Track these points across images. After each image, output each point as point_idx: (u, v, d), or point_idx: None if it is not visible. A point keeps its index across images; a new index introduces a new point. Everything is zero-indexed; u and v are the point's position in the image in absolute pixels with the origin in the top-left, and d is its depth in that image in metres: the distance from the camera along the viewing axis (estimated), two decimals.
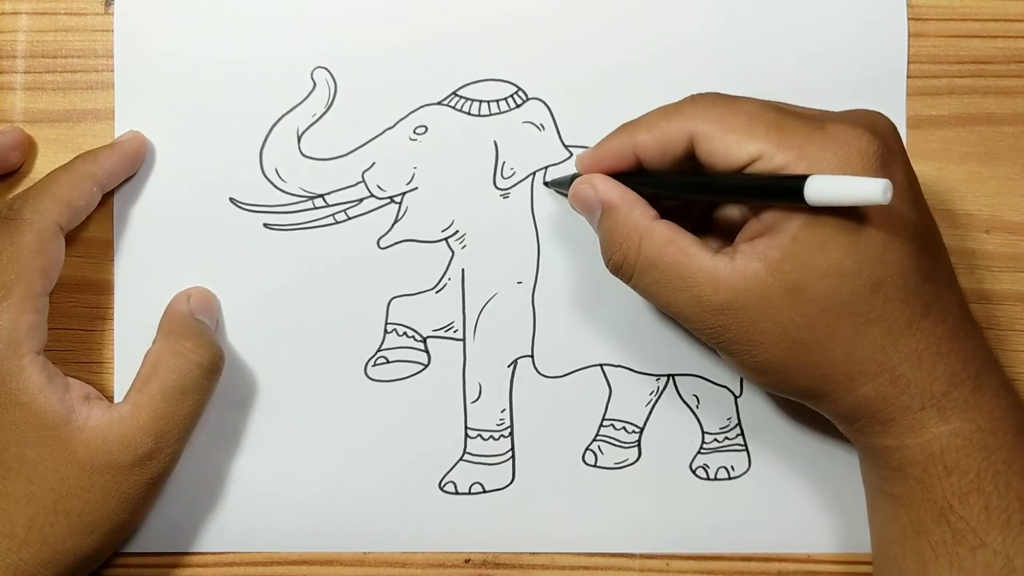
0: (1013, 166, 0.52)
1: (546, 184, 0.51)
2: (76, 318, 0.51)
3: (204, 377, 0.47)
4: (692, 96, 0.44)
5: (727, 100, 0.43)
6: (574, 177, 0.47)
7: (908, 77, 0.51)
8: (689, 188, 0.44)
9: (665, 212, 0.45)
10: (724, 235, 0.47)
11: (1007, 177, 0.52)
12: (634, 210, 0.44)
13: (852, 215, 0.40)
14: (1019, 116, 0.52)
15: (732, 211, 0.47)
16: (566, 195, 0.48)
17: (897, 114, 0.51)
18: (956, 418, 0.42)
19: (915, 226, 0.42)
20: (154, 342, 0.49)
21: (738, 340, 0.43)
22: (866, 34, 0.51)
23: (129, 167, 0.50)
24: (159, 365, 0.47)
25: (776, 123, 0.41)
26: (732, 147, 0.41)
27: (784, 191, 0.39)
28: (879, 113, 0.44)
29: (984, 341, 0.44)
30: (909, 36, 0.51)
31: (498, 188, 0.51)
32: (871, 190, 0.36)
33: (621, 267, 0.45)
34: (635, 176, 0.45)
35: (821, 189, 0.38)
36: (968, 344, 0.43)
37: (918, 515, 0.43)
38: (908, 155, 0.44)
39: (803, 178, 0.38)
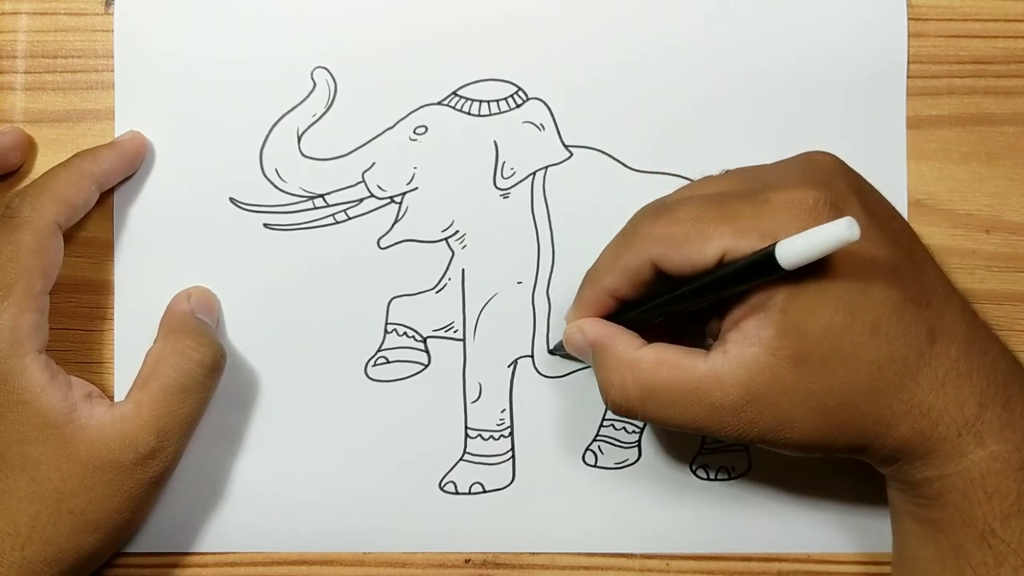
0: (1013, 166, 0.52)
1: (551, 352, 0.51)
2: (76, 318, 0.51)
3: (206, 376, 0.47)
4: (634, 218, 0.45)
5: (666, 212, 0.43)
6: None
7: (908, 77, 0.51)
8: (670, 304, 0.44)
9: (667, 328, 0.46)
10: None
11: (1007, 177, 0.52)
12: (618, 345, 0.44)
13: (827, 270, 0.40)
14: (1019, 116, 0.52)
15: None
16: (572, 358, 0.49)
17: (897, 114, 0.51)
18: (992, 440, 0.42)
19: (890, 258, 0.42)
20: (155, 341, 0.49)
21: (768, 430, 0.42)
22: (866, 34, 0.51)
23: (128, 166, 0.50)
24: (160, 364, 0.47)
25: (722, 216, 0.41)
26: (693, 257, 0.42)
27: (759, 269, 0.39)
28: (820, 153, 0.45)
29: (1002, 348, 0.44)
30: (909, 36, 0.51)
31: (498, 188, 0.51)
32: (838, 232, 0.36)
33: (621, 404, 0.44)
34: (619, 312, 0.46)
35: (792, 251, 0.38)
36: (986, 358, 0.43)
37: (957, 539, 0.42)
38: (862, 181, 0.44)
39: (771, 248, 0.38)
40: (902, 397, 0.41)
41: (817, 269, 0.40)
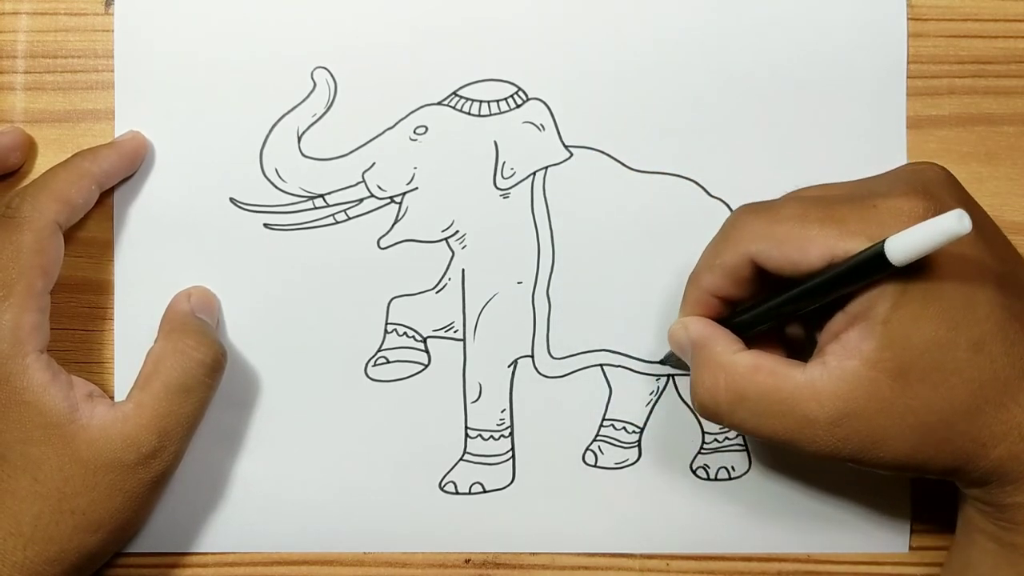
0: (1013, 166, 0.52)
1: (660, 362, 0.51)
2: (76, 318, 0.51)
3: (207, 375, 0.47)
4: (733, 216, 0.45)
5: (768, 211, 0.43)
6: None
7: (908, 77, 0.51)
8: (773, 309, 0.43)
9: (778, 338, 0.46)
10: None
11: (1007, 177, 0.52)
12: (716, 345, 0.44)
13: (933, 282, 0.40)
14: (1019, 116, 0.52)
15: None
16: (680, 366, 0.50)
17: (897, 114, 0.51)
18: None
19: (996, 272, 0.41)
20: (156, 341, 0.49)
21: (862, 448, 0.41)
22: (866, 34, 0.51)
23: (128, 166, 0.50)
24: (161, 364, 0.47)
25: (827, 218, 0.41)
26: (795, 257, 0.41)
27: (869, 266, 0.39)
28: (927, 164, 0.44)
29: None
30: (909, 36, 0.51)
31: (498, 188, 0.51)
32: (949, 225, 0.36)
33: (708, 406, 0.43)
34: (729, 316, 0.46)
35: (902, 246, 0.37)
36: None
37: None
38: (968, 195, 0.44)
39: (880, 244, 0.37)
40: (1001, 418, 0.40)
41: (922, 278, 0.39)
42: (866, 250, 0.39)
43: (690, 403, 0.51)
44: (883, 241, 0.38)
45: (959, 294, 0.40)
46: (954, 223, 0.36)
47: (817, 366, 0.41)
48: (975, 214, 0.40)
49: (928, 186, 0.42)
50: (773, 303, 0.43)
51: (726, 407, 0.43)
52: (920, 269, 0.39)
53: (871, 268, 0.39)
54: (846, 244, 0.40)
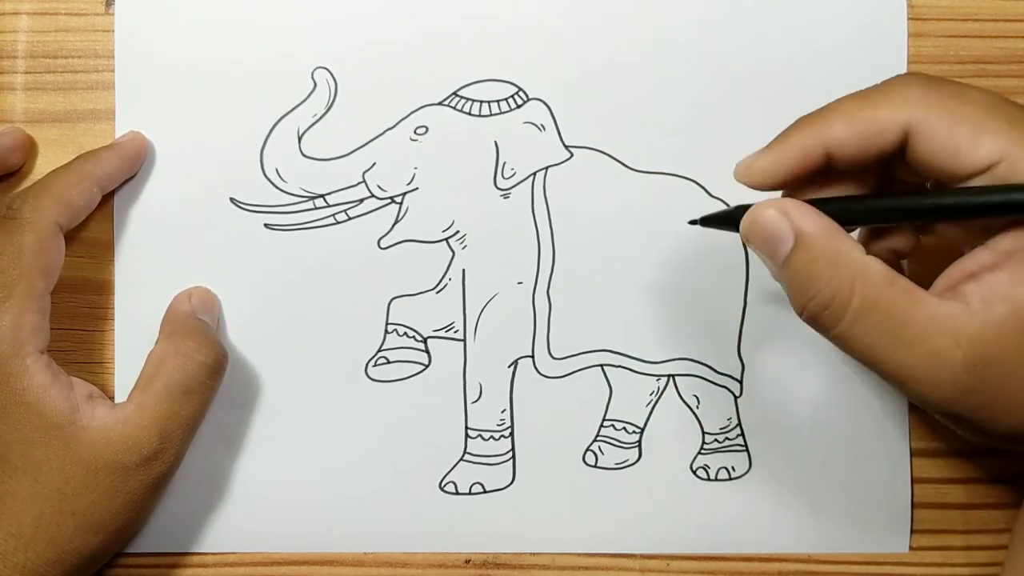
0: None
1: (695, 223, 0.42)
2: (76, 318, 0.51)
3: (208, 376, 0.47)
4: (899, 77, 0.37)
5: (950, 85, 0.36)
6: (736, 209, 0.40)
7: None
8: (912, 212, 0.36)
9: None
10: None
11: None
12: (844, 243, 0.36)
13: None
14: None
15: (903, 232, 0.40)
16: (728, 229, 0.41)
17: None
18: None
19: None
20: (157, 342, 0.49)
21: (986, 405, 0.35)
22: (866, 34, 0.51)
23: (129, 168, 0.50)
24: (163, 365, 0.47)
25: (1016, 119, 0.35)
26: (964, 145, 0.35)
27: None
28: None
29: None
30: (909, 36, 0.51)
31: (499, 188, 0.51)
32: None
33: (827, 310, 0.36)
34: (830, 201, 0.38)
35: None
36: None
37: None
38: None
39: None
40: None
41: None
42: None
43: (686, 399, 0.51)
44: None
45: None
46: None
47: (955, 303, 0.35)
48: None
49: None
50: (904, 202, 0.37)
51: (850, 315, 0.36)
52: None
53: None
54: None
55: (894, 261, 0.40)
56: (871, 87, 0.37)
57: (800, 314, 0.38)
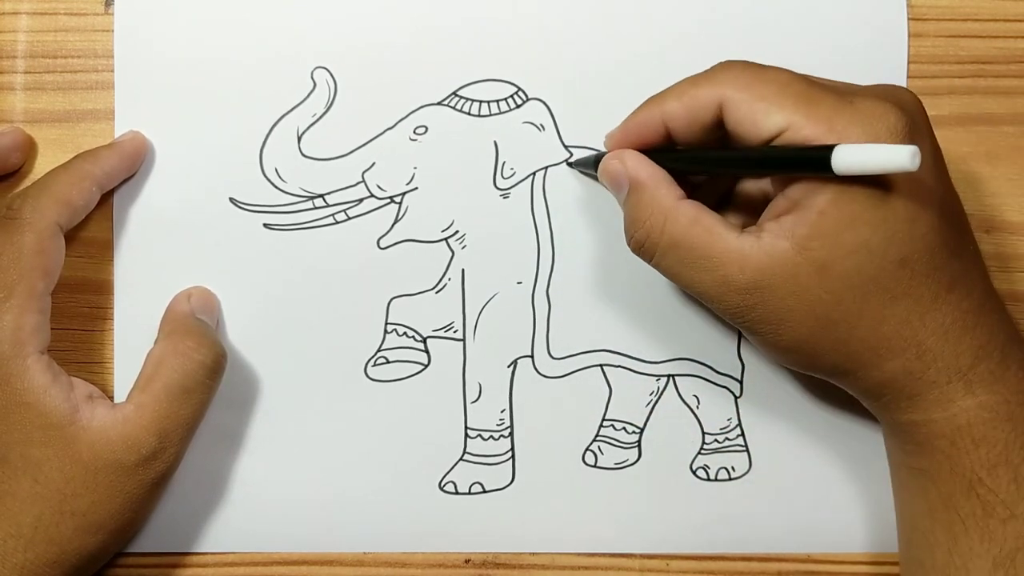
0: (1013, 166, 0.52)
1: (570, 165, 0.51)
2: (76, 318, 0.51)
3: (207, 376, 0.47)
4: (723, 63, 0.44)
5: (758, 68, 0.43)
6: (599, 156, 0.48)
7: (908, 77, 0.51)
8: (715, 162, 0.45)
9: (691, 189, 0.46)
10: (747, 213, 0.48)
11: (1007, 177, 0.52)
12: (660, 188, 0.44)
13: (880, 189, 0.40)
14: (1019, 116, 0.52)
15: (754, 188, 0.48)
16: (589, 175, 0.50)
17: None
18: (983, 391, 0.42)
19: (942, 200, 0.42)
20: (156, 342, 0.49)
21: (764, 320, 0.43)
22: (866, 34, 0.51)
23: (128, 167, 0.50)
24: (162, 365, 0.47)
25: (805, 95, 0.41)
26: (759, 116, 0.41)
27: (811, 162, 0.39)
28: (905, 89, 0.44)
29: (1007, 315, 0.44)
30: (909, 36, 0.51)
31: (498, 188, 0.51)
32: (899, 157, 0.36)
33: (644, 245, 0.44)
34: (663, 152, 0.46)
35: (848, 158, 0.37)
36: (993, 317, 0.43)
37: (947, 488, 0.43)
38: (932, 131, 0.43)
39: (830, 148, 0.38)
40: (904, 333, 0.42)
41: (871, 183, 0.40)
42: (815, 147, 0.39)
43: (686, 399, 0.52)
44: (834, 146, 0.38)
45: (903, 210, 0.41)
46: (904, 157, 0.36)
47: (750, 237, 0.42)
48: (935, 146, 0.43)
49: (904, 105, 0.42)
50: (713, 154, 0.44)
51: (659, 250, 0.44)
52: (873, 177, 0.39)
53: (813, 164, 0.39)
54: (807, 125, 0.40)
55: (756, 205, 0.48)
56: (701, 72, 0.44)
57: (628, 244, 0.46)
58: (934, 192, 0.42)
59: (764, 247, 0.41)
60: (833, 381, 0.45)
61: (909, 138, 0.40)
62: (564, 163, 0.51)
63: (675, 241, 0.43)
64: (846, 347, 0.42)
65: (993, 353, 0.42)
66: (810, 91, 0.41)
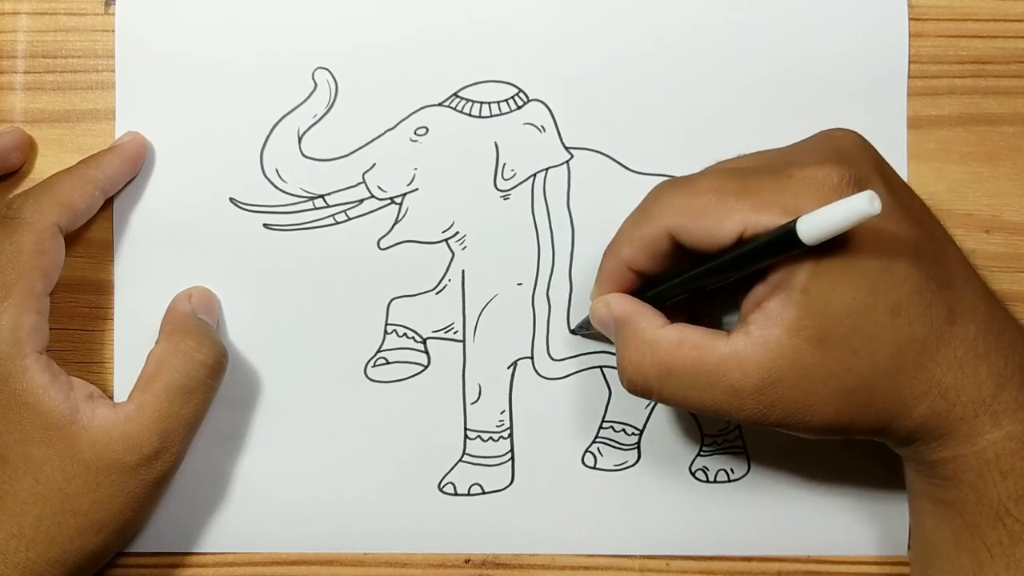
0: (1013, 166, 0.52)
1: (572, 331, 0.51)
2: (76, 318, 0.51)
3: (209, 376, 0.47)
4: (653, 191, 0.45)
5: (686, 184, 0.43)
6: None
7: (908, 77, 0.51)
8: (692, 281, 0.44)
9: (691, 309, 0.47)
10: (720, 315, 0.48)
11: (1007, 177, 0.52)
12: (641, 321, 0.44)
13: (849, 249, 0.40)
14: (1019, 116, 0.52)
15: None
16: (592, 336, 0.50)
17: (898, 114, 0.51)
18: (1008, 421, 0.42)
19: (912, 238, 0.42)
20: (157, 342, 0.49)
21: (788, 414, 0.42)
22: (866, 34, 0.51)
23: (131, 170, 0.50)
24: (163, 365, 0.47)
25: (743, 190, 0.41)
26: (712, 230, 0.41)
27: (780, 244, 0.39)
28: (842, 131, 0.44)
29: (1019, 328, 0.44)
30: (909, 36, 0.51)
31: (499, 189, 0.51)
32: (859, 206, 0.36)
33: (636, 382, 0.44)
34: (643, 289, 0.46)
35: (813, 227, 0.37)
36: (1003, 339, 0.43)
37: (972, 519, 0.42)
38: (883, 161, 0.44)
39: (792, 223, 0.38)
40: (921, 377, 0.41)
41: (839, 247, 0.40)
42: (778, 229, 0.39)
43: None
44: (795, 221, 0.38)
45: (876, 262, 0.40)
46: (864, 205, 0.36)
47: (740, 336, 0.41)
48: (891, 182, 0.43)
49: (843, 154, 0.42)
50: (688, 276, 0.44)
51: (655, 382, 0.43)
52: (837, 240, 0.39)
53: (783, 246, 0.39)
54: (760, 217, 0.40)
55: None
56: (639, 205, 0.46)
57: (625, 388, 0.45)
58: (901, 233, 0.41)
59: (758, 341, 0.41)
60: (874, 438, 0.44)
61: (857, 187, 0.40)
62: (570, 331, 0.52)
63: (667, 368, 0.43)
64: (874, 407, 0.42)
65: (1013, 378, 0.42)
66: (746, 184, 0.42)
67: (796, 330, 0.40)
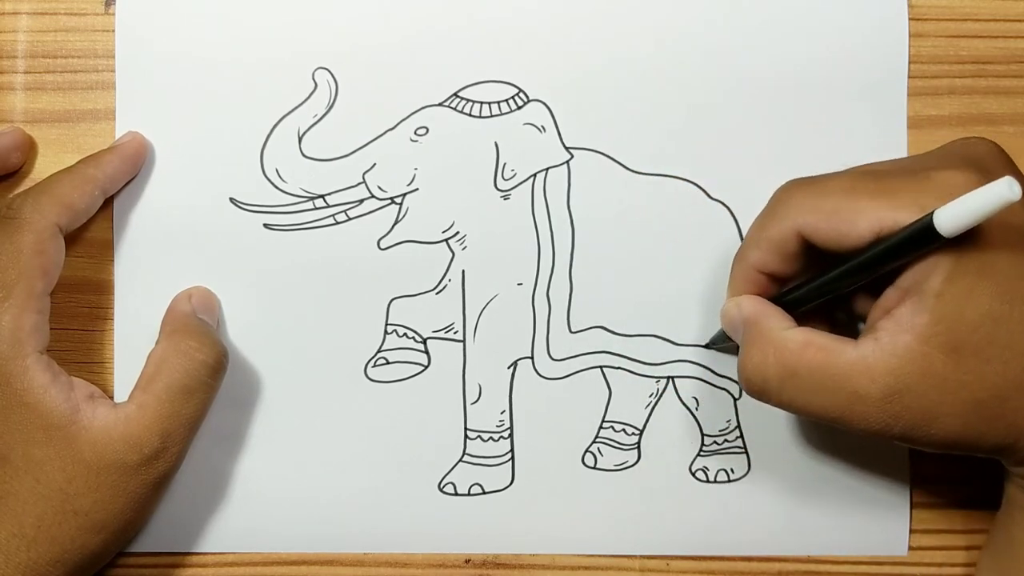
0: None
1: (706, 346, 0.51)
2: (76, 318, 0.51)
3: (209, 376, 0.47)
4: (780, 191, 0.44)
5: (816, 184, 0.43)
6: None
7: (908, 77, 0.51)
8: (825, 285, 0.43)
9: (825, 317, 0.47)
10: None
11: None
12: (768, 322, 0.43)
13: (987, 256, 0.39)
14: (1019, 116, 0.52)
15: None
16: (726, 349, 0.51)
17: (898, 114, 0.51)
18: None
19: None
20: (157, 342, 0.49)
21: (913, 425, 0.40)
22: (867, 34, 0.51)
23: (131, 170, 0.50)
24: (164, 365, 0.47)
25: (879, 190, 0.40)
26: (844, 229, 0.41)
27: (919, 238, 0.38)
28: (978, 138, 0.44)
29: None
30: (909, 36, 0.51)
31: (499, 189, 0.51)
32: (998, 192, 0.35)
33: (755, 382, 0.43)
34: (779, 296, 0.46)
35: (951, 216, 0.36)
36: None
37: None
38: (1017, 169, 0.43)
39: (929, 216, 0.37)
40: None
41: (977, 251, 0.39)
42: (916, 222, 0.38)
43: (686, 401, 0.52)
44: (932, 212, 0.37)
45: (1013, 266, 0.39)
46: (1004, 190, 0.35)
47: (869, 342, 0.40)
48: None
49: (980, 160, 0.41)
50: (824, 279, 0.43)
51: (775, 383, 0.42)
52: (973, 241, 0.38)
53: (921, 240, 0.38)
54: (896, 215, 0.39)
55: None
56: (765, 207, 0.45)
57: (745, 390, 0.44)
58: None
59: (887, 348, 0.40)
60: (995, 456, 0.43)
61: None
62: (703, 346, 0.51)
63: (791, 370, 0.42)
64: (1003, 422, 0.40)
65: None
66: (880, 184, 0.41)
67: (928, 337, 0.39)
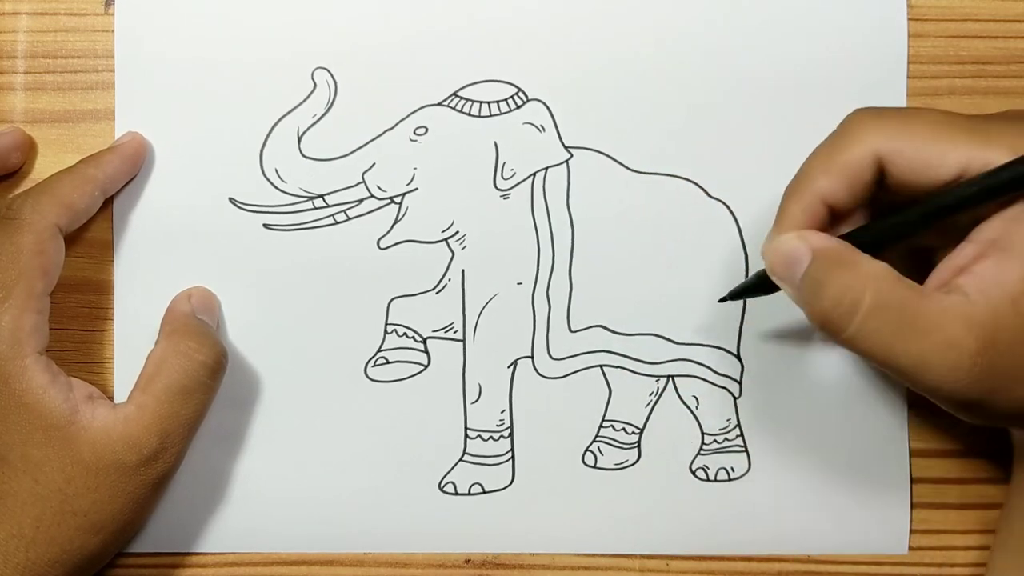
0: None
1: (723, 300, 0.48)
2: (76, 318, 0.51)
3: (209, 376, 0.47)
4: (852, 116, 0.41)
5: (900, 111, 0.40)
6: (756, 277, 0.45)
7: (908, 77, 0.51)
8: (899, 227, 0.39)
9: None
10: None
11: None
12: (852, 254, 0.39)
13: None
14: None
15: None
16: (747, 295, 0.47)
17: None
18: None
19: None
20: (157, 342, 0.49)
21: (998, 388, 0.37)
22: (866, 35, 0.51)
23: (130, 170, 0.50)
24: (163, 365, 0.47)
25: (971, 127, 0.38)
26: (933, 159, 0.38)
27: (1016, 181, 0.36)
28: None
29: None
30: (909, 36, 0.51)
31: (498, 189, 0.51)
32: None
33: (831, 315, 0.39)
34: (846, 235, 0.42)
35: None
36: None
37: None
38: None
39: None
40: None
41: None
42: (1014, 160, 0.36)
43: (686, 400, 0.51)
44: None
45: None
46: None
47: (957, 295, 0.37)
48: None
49: None
50: (902, 217, 0.39)
51: (859, 317, 0.38)
52: None
53: (1019, 182, 0.36)
54: (987, 155, 0.37)
55: None
56: (832, 134, 0.41)
57: (813, 318, 0.40)
58: None
59: (979, 302, 0.37)
60: None
61: None
62: (718, 301, 0.48)
63: (882, 301, 0.37)
64: None
65: None
66: (972, 122, 0.38)
67: (1017, 295, 0.37)
